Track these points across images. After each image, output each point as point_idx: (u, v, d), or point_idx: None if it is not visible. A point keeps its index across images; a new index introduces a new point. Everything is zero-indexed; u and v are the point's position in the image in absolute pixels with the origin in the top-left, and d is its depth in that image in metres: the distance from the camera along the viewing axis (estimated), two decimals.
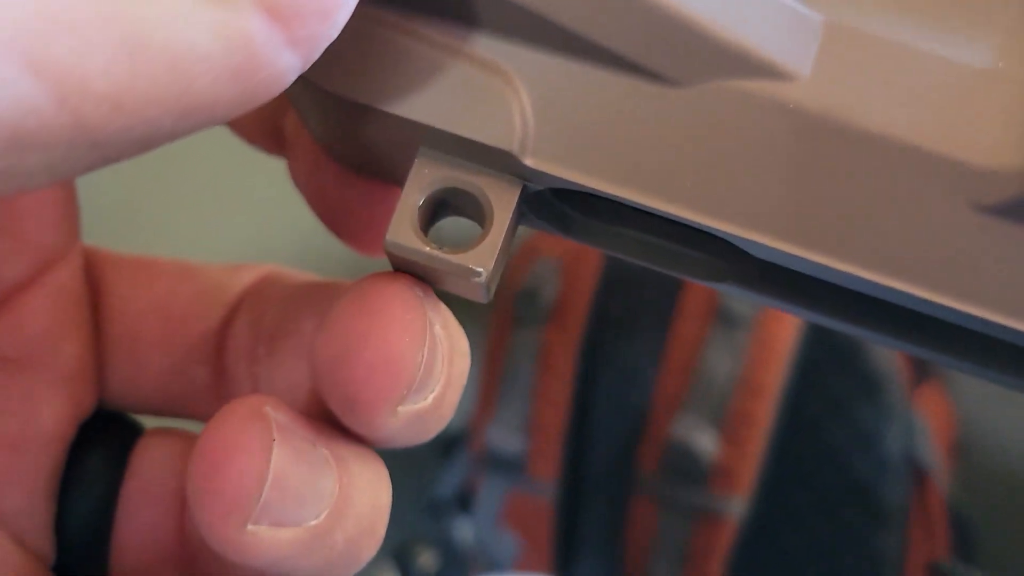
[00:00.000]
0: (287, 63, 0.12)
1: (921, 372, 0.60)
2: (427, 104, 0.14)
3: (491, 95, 0.14)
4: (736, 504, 0.56)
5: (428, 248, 0.15)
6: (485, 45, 0.14)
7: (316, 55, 0.12)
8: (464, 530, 0.67)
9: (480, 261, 0.15)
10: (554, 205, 0.16)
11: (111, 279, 0.19)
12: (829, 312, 0.16)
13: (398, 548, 0.69)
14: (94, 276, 0.19)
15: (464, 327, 0.17)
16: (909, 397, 0.58)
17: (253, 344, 0.19)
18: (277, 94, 0.12)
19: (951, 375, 0.63)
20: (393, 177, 0.17)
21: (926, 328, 0.15)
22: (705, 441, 0.56)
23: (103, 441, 0.18)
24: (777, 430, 0.56)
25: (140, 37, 0.11)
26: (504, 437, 0.61)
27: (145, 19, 0.11)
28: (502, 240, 0.15)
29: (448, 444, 0.73)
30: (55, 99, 0.10)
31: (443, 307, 0.16)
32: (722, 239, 0.14)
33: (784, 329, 0.56)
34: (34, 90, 0.10)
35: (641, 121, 0.14)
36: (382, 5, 0.15)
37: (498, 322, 0.63)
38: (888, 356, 0.57)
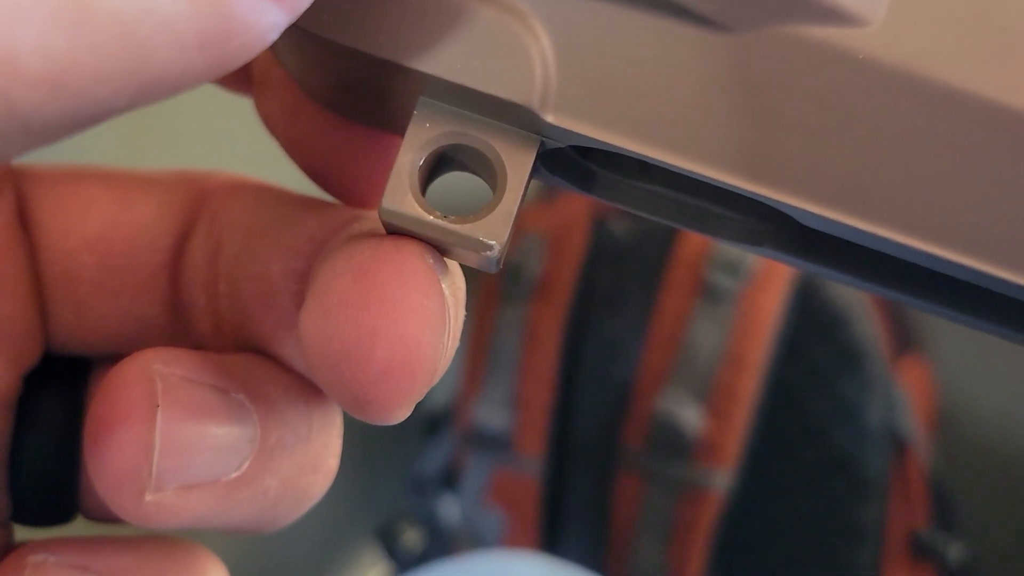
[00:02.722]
0: (270, 21, 0.10)
1: (902, 344, 0.60)
2: (430, 50, 0.12)
3: (506, 39, 0.12)
4: (721, 478, 0.56)
5: (431, 217, 0.13)
6: None
7: (306, 6, 0.10)
8: (449, 508, 0.67)
9: (492, 232, 0.13)
10: (573, 160, 0.14)
11: (40, 215, 0.16)
12: (878, 281, 0.14)
13: (383, 526, 0.69)
14: (24, 213, 0.16)
15: None
16: (890, 369, 0.58)
17: (212, 277, 0.16)
18: (256, 55, 0.10)
19: (932, 347, 0.63)
20: (386, 124, 0.15)
21: (984, 300, 0.13)
22: (690, 415, 0.56)
23: (52, 388, 0.16)
24: (761, 403, 0.56)
25: (83, 1, 0.09)
26: (490, 414, 0.61)
27: None
28: (517, 208, 0.13)
29: (433, 421, 0.73)
30: None
31: (451, 267, 0.14)
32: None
33: (768, 302, 0.56)
34: None
35: (682, 72, 0.12)
36: None
37: (483, 298, 0.63)
38: (870, 328, 0.57)
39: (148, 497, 0.14)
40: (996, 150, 0.12)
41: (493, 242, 0.13)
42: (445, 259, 0.14)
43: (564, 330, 0.59)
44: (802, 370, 0.57)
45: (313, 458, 0.16)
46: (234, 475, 0.14)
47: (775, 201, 0.12)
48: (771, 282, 0.56)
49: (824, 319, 0.57)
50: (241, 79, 0.17)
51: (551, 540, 0.62)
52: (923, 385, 0.62)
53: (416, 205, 0.13)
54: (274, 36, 0.10)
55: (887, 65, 0.12)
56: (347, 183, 0.16)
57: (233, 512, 0.15)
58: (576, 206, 0.61)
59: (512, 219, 0.13)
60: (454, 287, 0.14)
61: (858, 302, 0.57)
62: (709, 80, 0.12)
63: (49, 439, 0.16)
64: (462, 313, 0.15)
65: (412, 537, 0.68)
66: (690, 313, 0.56)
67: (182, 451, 0.14)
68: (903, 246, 0.12)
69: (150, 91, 0.10)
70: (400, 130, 0.14)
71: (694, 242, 0.57)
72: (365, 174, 0.16)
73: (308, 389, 0.16)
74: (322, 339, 0.13)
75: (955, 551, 0.59)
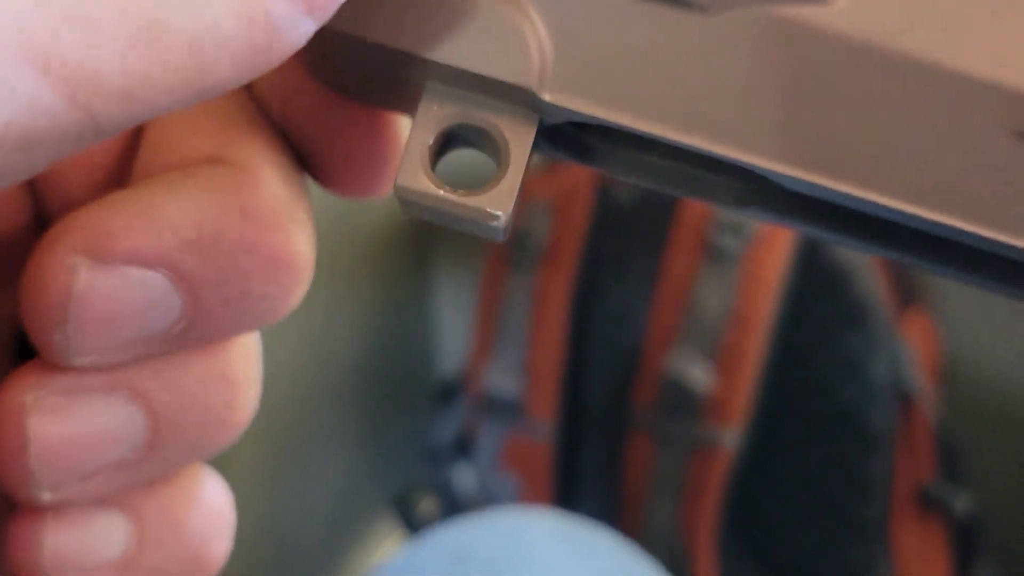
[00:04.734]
0: (305, 30, 0.11)
1: (906, 298, 0.61)
2: (434, 38, 0.14)
3: (504, 25, 0.14)
4: (730, 435, 0.57)
5: (442, 191, 0.14)
6: None
7: (332, 13, 0.12)
8: (464, 475, 0.68)
9: (499, 204, 0.14)
10: (572, 135, 0.15)
11: None
12: (857, 236, 0.15)
13: (399, 495, 0.70)
14: None
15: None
16: (894, 324, 0.59)
17: None
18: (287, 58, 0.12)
19: (936, 300, 0.64)
20: (394, 106, 0.16)
21: (958, 252, 0.14)
22: (698, 374, 0.57)
23: None
24: (767, 361, 0.57)
25: (159, 25, 0.10)
26: (502, 380, 0.62)
27: (164, 5, 0.10)
28: (520, 180, 0.14)
29: (446, 390, 0.74)
30: (66, 98, 0.10)
31: None
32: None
33: (773, 261, 0.57)
34: (44, 91, 0.10)
35: (666, 51, 0.13)
36: None
37: (491, 267, 0.63)
38: (873, 284, 0.58)
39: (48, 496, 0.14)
40: (957, 115, 0.13)
41: (499, 212, 0.14)
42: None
43: (572, 296, 0.60)
44: (807, 328, 0.58)
45: (221, 408, 0.15)
46: (131, 455, 0.14)
47: (755, 166, 0.14)
48: (775, 242, 0.57)
49: (828, 277, 0.57)
50: None
51: (565, 504, 0.63)
52: (928, 339, 0.62)
53: (428, 181, 0.14)
54: (304, 42, 0.11)
55: (852, 40, 0.13)
56: (332, 165, 0.17)
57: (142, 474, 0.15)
58: (579, 174, 0.62)
59: (516, 191, 0.14)
60: None
61: (861, 259, 0.58)
62: (691, 58, 0.14)
63: None
64: None
65: (428, 505, 0.69)
66: (696, 274, 0.57)
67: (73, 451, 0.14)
68: (880, 206, 0.13)
69: (201, 96, 0.11)
70: (407, 110, 0.15)
71: (697, 205, 0.58)
72: (353, 158, 0.17)
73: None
74: None
75: (962, 502, 0.60)
